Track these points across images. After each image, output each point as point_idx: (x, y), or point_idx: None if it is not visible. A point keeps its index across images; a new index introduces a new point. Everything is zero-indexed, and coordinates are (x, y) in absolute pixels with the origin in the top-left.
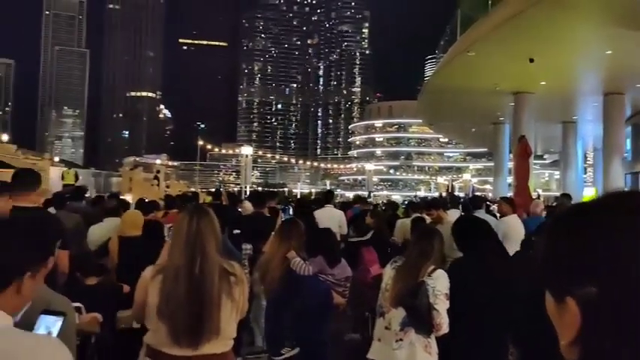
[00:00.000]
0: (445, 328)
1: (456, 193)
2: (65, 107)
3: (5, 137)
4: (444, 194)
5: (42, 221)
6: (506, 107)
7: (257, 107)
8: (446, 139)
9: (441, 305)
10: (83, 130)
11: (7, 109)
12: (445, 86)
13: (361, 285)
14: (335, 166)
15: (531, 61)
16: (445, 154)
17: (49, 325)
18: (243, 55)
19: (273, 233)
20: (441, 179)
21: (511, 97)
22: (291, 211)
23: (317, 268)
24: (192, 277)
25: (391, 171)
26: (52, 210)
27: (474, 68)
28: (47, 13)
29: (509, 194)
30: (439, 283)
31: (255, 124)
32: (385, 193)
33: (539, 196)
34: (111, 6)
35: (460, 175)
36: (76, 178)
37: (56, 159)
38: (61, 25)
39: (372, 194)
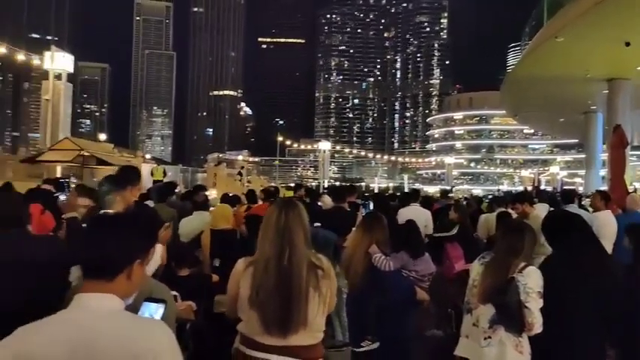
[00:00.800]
0: (538, 328)
1: (543, 187)
2: (155, 107)
3: (103, 137)
4: (529, 188)
5: (147, 213)
6: (599, 95)
7: (334, 102)
8: (531, 131)
9: (533, 303)
10: (171, 128)
11: (103, 110)
12: (531, 75)
13: (444, 281)
14: (413, 160)
15: (627, 44)
16: (530, 146)
17: (152, 311)
18: (320, 51)
19: (354, 228)
20: (526, 172)
21: (604, 84)
22: (371, 206)
23: (399, 264)
24: (280, 269)
25: (472, 164)
26: (150, 203)
27: (563, 55)
28: (138, 18)
29: (603, 188)
30: (531, 280)
31: (333, 119)
32: (466, 187)
33: (635, 190)
34: (195, 9)
35: (546, 168)
36: (164, 174)
37: (147, 156)
38: (150, 29)
39: (454, 189)
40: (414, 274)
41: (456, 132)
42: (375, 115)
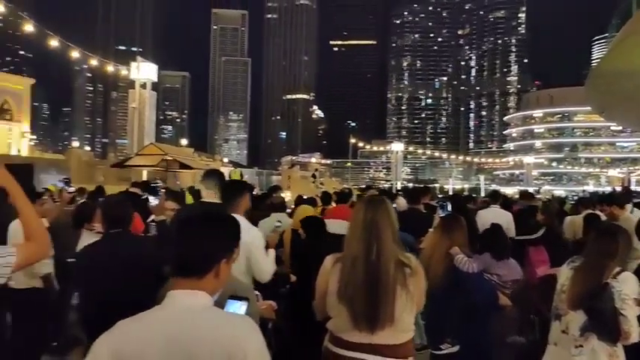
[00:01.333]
0: (635, 337)
1: (633, 188)
2: (231, 112)
3: (184, 141)
4: (617, 189)
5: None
6: None
7: (406, 103)
8: (619, 128)
9: (629, 311)
10: (246, 132)
11: (183, 116)
12: (620, 68)
13: (527, 286)
14: (489, 160)
15: None
16: (618, 143)
17: (235, 309)
18: (391, 51)
19: (430, 230)
20: (614, 172)
21: None
22: (449, 207)
23: (482, 266)
24: (368, 264)
25: (553, 164)
26: None
27: None
28: (215, 27)
29: None
30: (627, 286)
31: (405, 119)
32: (547, 187)
33: None
34: (269, 16)
35: (637, 167)
36: (241, 177)
37: (225, 160)
38: (226, 37)
39: (540, 189)
40: (496, 278)
41: (536, 130)
42: (449, 114)
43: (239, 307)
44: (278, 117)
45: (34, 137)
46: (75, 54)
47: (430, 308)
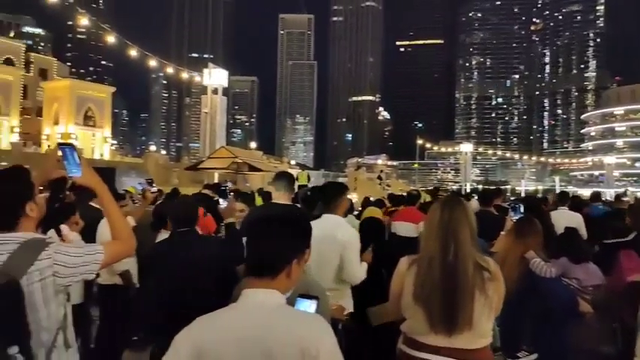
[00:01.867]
0: None
1: None
2: (297, 115)
3: (253, 144)
4: None
5: (302, 216)
6: None
7: (475, 102)
8: None
9: None
10: (313, 135)
11: (252, 120)
12: None
13: (611, 292)
14: (565, 160)
15: None
16: None
17: (305, 307)
18: (459, 50)
19: (502, 232)
20: None
21: None
22: (521, 209)
23: (560, 270)
24: (445, 264)
25: (637, 164)
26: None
27: None
28: (282, 32)
29: None
30: None
31: (474, 119)
32: (631, 189)
33: None
34: (335, 19)
35: None
36: (309, 179)
37: (292, 162)
38: (293, 41)
39: (628, 191)
40: (575, 282)
41: (617, 129)
42: (521, 113)
43: (309, 306)
44: (344, 119)
45: (115, 142)
46: (152, 62)
47: (504, 313)
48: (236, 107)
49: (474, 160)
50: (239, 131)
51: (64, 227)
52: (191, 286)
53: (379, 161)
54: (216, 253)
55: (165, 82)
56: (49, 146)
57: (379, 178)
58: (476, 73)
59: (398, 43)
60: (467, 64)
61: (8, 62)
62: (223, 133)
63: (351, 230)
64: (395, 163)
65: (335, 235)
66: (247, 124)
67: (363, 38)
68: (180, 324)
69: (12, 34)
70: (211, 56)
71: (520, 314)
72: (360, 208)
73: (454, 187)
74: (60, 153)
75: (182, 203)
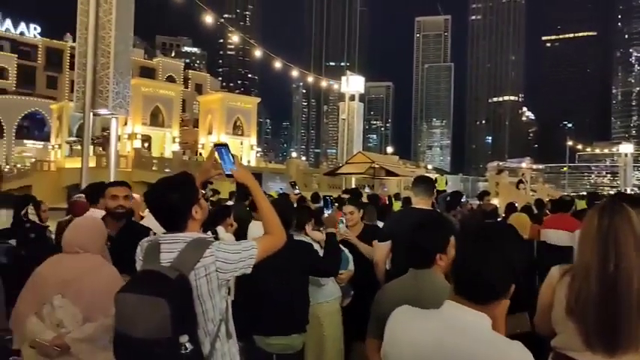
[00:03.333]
0: None
1: None
2: (434, 119)
3: (390, 149)
4: None
5: (442, 219)
6: None
7: (636, 99)
8: None
9: None
10: (449, 138)
11: (387, 125)
12: None
13: None
14: None
15: None
16: None
17: None
18: (617, 41)
19: None
20: None
21: None
22: None
23: None
24: (604, 276)
25: None
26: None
27: None
28: (417, 35)
29: None
30: None
31: (635, 117)
32: None
33: None
34: (473, 17)
35: None
36: (446, 183)
37: (429, 166)
38: (429, 44)
39: None
40: None
41: None
42: None
43: None
44: (483, 121)
45: (259, 149)
46: (293, 73)
47: None
48: (371, 113)
49: (636, 162)
50: (374, 136)
51: (220, 229)
52: (276, 287)
53: (523, 164)
54: (303, 258)
55: (304, 91)
56: (200, 154)
57: (520, 182)
58: (637, 66)
59: (544, 38)
60: (626, 57)
61: (170, 79)
62: (360, 138)
63: None
64: (540, 166)
65: None
66: (382, 129)
67: (504, 36)
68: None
69: (173, 54)
70: (347, 64)
71: None
72: (503, 215)
73: (611, 192)
74: (216, 153)
75: (279, 206)
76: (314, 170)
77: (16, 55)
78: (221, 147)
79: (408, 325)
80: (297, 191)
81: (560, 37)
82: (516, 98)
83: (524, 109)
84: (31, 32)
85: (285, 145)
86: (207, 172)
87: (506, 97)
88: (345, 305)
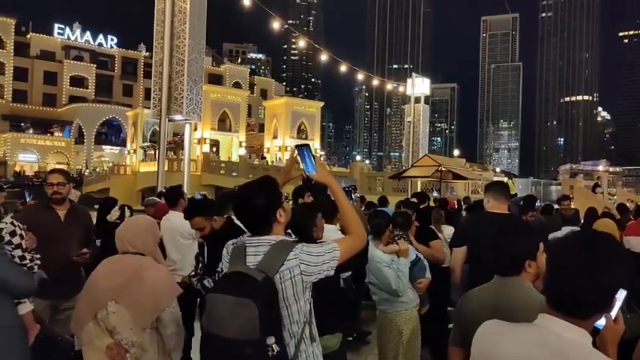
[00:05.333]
0: None
1: None
2: (501, 120)
3: (456, 152)
4: None
5: (525, 224)
6: None
7: None
8: None
9: None
10: (518, 140)
11: (452, 127)
12: None
13: None
14: None
15: None
16: None
17: None
18: None
19: None
20: None
21: None
22: None
23: None
24: None
25: None
26: None
27: None
28: (484, 35)
29: None
30: None
31: None
32: None
33: None
34: (543, 14)
35: None
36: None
37: (497, 169)
38: (495, 44)
39: None
40: None
41: None
42: None
43: None
44: (554, 122)
45: (323, 153)
46: (356, 76)
47: None
48: (435, 115)
49: None
50: (438, 139)
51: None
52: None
53: (600, 167)
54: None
55: (367, 94)
56: (264, 158)
57: (596, 186)
58: None
59: (621, 33)
60: None
61: (237, 85)
62: (426, 141)
63: None
64: (618, 169)
65: None
66: (447, 131)
67: (577, 32)
68: None
69: (239, 61)
70: (411, 66)
71: None
72: (582, 220)
73: None
74: (297, 154)
75: (297, 211)
76: (378, 173)
77: (95, 65)
78: (302, 148)
79: (500, 339)
80: (357, 194)
81: (639, 31)
82: (591, 98)
83: (600, 108)
84: (109, 43)
85: (347, 149)
86: (288, 173)
87: (579, 97)
88: (423, 313)
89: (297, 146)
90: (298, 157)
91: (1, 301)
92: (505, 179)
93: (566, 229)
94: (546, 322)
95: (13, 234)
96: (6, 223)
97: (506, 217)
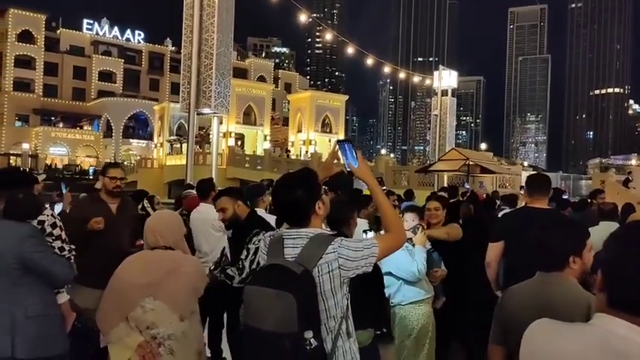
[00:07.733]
0: None
1: None
2: (528, 114)
3: (484, 146)
4: None
5: (571, 219)
6: None
7: None
8: None
9: None
10: (545, 134)
11: (477, 121)
12: None
13: None
14: None
15: None
16: None
17: None
18: None
19: None
20: None
21: None
22: None
23: None
24: None
25: None
26: None
27: None
28: (511, 27)
29: None
30: None
31: None
32: None
33: None
34: (573, 5)
35: None
36: None
37: (525, 164)
38: (522, 36)
39: None
40: None
41: None
42: None
43: None
44: (583, 115)
45: None
46: (381, 69)
47: None
48: (461, 108)
49: None
50: (464, 133)
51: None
52: None
53: (632, 161)
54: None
55: (391, 87)
56: (288, 151)
57: (627, 180)
58: None
59: None
60: None
61: (261, 79)
62: (453, 134)
63: None
64: None
65: None
66: (472, 125)
67: (608, 23)
68: None
69: (263, 55)
70: (436, 59)
71: None
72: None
73: None
74: (339, 149)
75: (336, 205)
76: (403, 167)
77: (123, 60)
78: (344, 142)
79: (555, 338)
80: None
81: None
82: (622, 90)
83: (631, 101)
84: (136, 38)
85: (371, 142)
86: (329, 167)
87: (610, 90)
88: (438, 307)
89: (338, 141)
90: (339, 152)
91: (44, 290)
92: (533, 173)
93: (604, 225)
94: (605, 323)
95: (54, 226)
96: (47, 216)
97: (552, 212)
